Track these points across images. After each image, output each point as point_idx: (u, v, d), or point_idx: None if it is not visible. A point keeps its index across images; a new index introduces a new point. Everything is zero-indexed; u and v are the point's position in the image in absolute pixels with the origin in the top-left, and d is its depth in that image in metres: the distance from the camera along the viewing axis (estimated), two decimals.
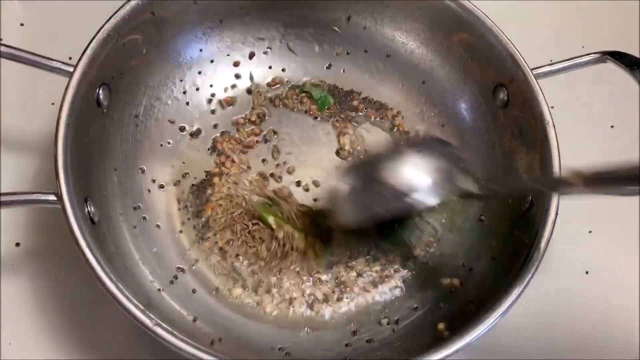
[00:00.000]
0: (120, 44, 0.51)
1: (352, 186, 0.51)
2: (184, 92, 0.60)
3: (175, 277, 0.52)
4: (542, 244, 0.47)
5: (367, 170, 0.51)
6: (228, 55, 0.62)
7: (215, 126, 0.60)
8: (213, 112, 0.61)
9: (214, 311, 0.52)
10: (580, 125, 0.66)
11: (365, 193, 0.50)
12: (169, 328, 0.41)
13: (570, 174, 0.39)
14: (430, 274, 0.55)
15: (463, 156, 0.51)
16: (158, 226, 0.54)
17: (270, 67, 0.63)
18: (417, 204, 0.48)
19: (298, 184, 0.58)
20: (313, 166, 0.59)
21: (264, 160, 0.59)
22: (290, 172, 0.59)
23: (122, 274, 0.46)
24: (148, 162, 0.56)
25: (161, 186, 0.56)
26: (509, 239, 0.52)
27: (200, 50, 0.60)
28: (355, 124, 0.62)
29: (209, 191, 0.57)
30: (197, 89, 0.60)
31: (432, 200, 0.47)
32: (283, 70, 0.63)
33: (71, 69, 0.47)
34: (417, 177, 0.48)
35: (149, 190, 0.56)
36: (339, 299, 0.54)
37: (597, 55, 0.53)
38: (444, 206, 0.55)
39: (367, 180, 0.50)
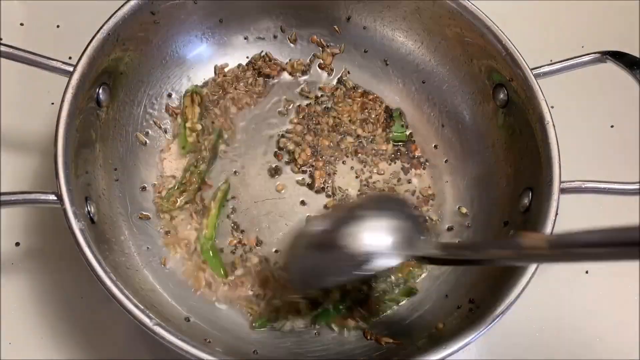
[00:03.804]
0: (120, 43, 0.51)
1: (306, 253, 0.47)
2: (185, 91, 0.60)
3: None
4: None
5: (322, 236, 0.46)
6: (228, 54, 0.62)
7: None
8: None
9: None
10: (580, 125, 0.66)
11: (320, 260, 0.46)
12: (168, 327, 0.41)
13: (535, 239, 0.37)
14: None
15: (420, 219, 0.49)
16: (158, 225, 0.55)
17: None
18: (374, 269, 0.44)
19: None
20: None
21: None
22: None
23: (122, 273, 0.46)
24: (148, 161, 0.57)
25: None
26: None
27: (201, 49, 0.60)
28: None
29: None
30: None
31: (389, 264, 0.44)
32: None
33: (71, 69, 0.47)
34: (375, 241, 0.44)
35: (149, 190, 0.56)
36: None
37: (597, 55, 0.53)
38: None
39: (322, 247, 0.46)
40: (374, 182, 0.59)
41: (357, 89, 0.63)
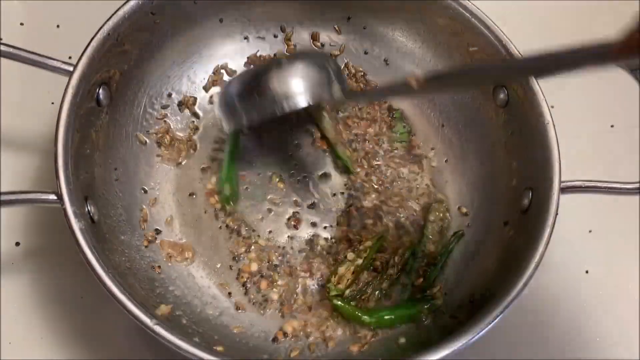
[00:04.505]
0: (120, 43, 0.51)
1: (233, 93, 0.54)
2: (185, 92, 0.60)
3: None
4: (542, 244, 0.47)
5: (248, 80, 0.55)
6: (228, 54, 0.62)
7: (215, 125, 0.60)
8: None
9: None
10: (580, 125, 0.66)
11: (245, 100, 0.53)
12: (169, 327, 0.41)
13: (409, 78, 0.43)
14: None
15: (338, 69, 0.56)
16: (158, 225, 0.55)
17: None
18: (291, 106, 0.51)
19: None
20: None
21: None
22: None
23: (122, 273, 0.46)
24: (148, 161, 0.56)
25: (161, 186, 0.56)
26: (508, 239, 0.52)
27: (201, 49, 0.60)
28: None
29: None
30: (198, 88, 0.61)
31: (303, 103, 0.51)
32: None
33: (71, 69, 0.47)
34: (293, 83, 0.52)
35: (149, 190, 0.56)
36: None
37: None
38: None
39: (248, 89, 0.53)
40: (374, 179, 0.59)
41: (368, 81, 0.63)
